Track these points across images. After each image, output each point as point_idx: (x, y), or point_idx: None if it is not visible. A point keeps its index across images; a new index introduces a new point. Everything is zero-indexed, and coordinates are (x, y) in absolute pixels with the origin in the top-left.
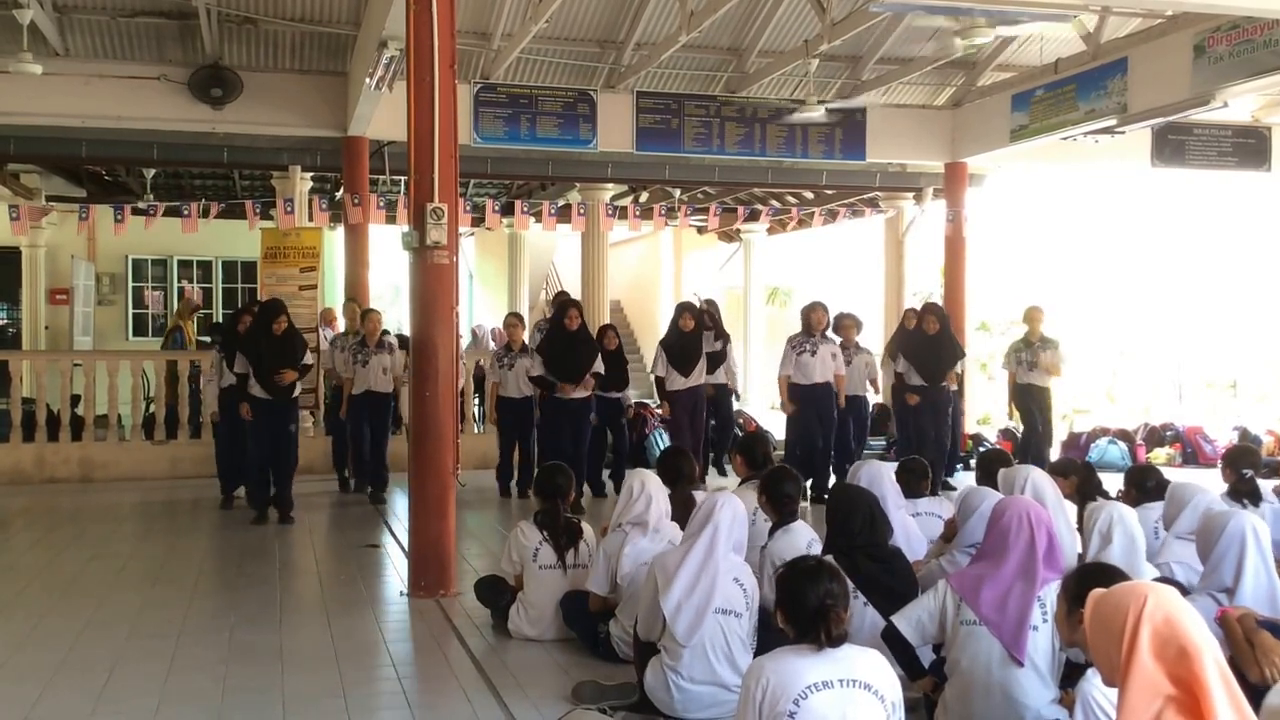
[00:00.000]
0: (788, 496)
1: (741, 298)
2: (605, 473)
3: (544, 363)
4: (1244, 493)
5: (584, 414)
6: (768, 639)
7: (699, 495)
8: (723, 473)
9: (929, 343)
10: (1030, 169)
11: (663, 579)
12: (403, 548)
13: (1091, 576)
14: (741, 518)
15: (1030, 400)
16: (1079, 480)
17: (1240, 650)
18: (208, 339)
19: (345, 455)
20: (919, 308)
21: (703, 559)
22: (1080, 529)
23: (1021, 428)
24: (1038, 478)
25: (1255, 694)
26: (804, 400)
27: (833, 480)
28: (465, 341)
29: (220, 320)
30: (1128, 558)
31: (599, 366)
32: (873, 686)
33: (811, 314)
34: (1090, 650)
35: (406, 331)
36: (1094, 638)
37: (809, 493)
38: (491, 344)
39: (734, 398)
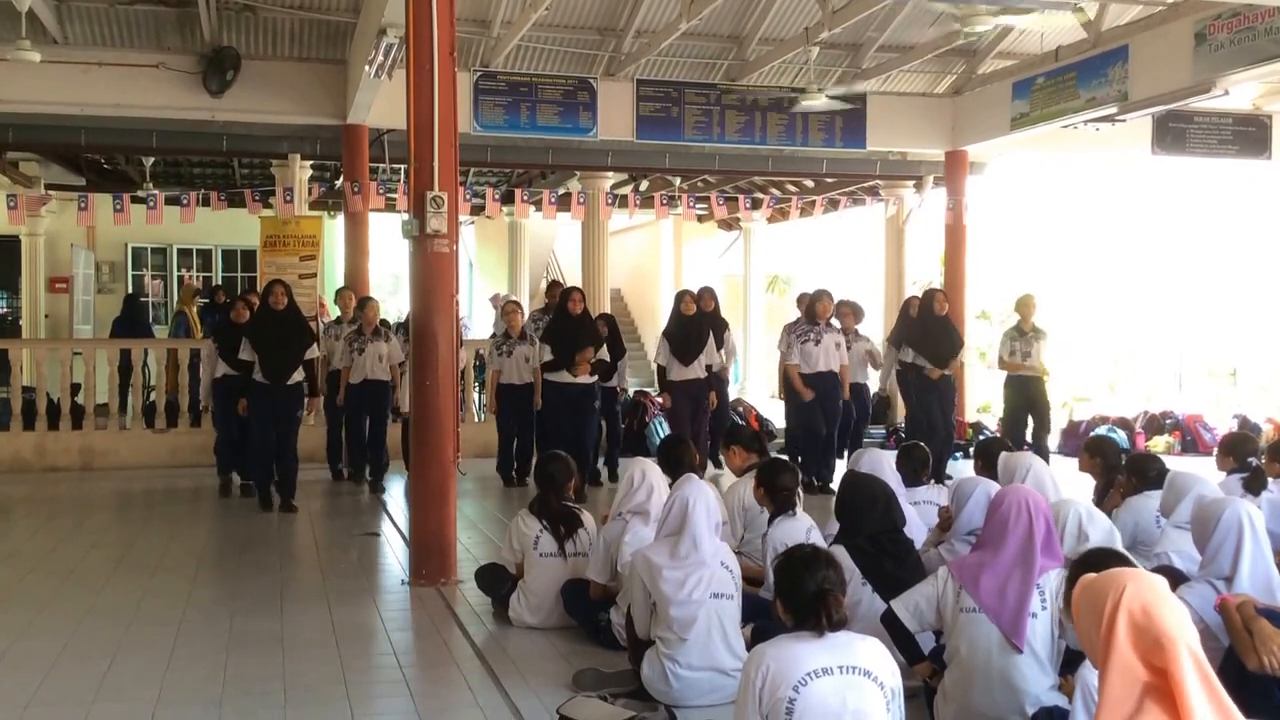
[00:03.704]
0: (785, 489)
1: (741, 286)
2: (599, 460)
3: (551, 350)
4: (1255, 482)
5: (587, 400)
6: (771, 627)
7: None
8: (718, 465)
9: (938, 324)
10: (1031, 157)
11: (649, 577)
12: (403, 536)
13: (1093, 563)
14: (714, 503)
15: (1023, 391)
16: (1103, 462)
17: (1239, 638)
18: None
19: (339, 444)
20: (922, 293)
21: (689, 558)
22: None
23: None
24: (1038, 467)
25: (1253, 682)
26: (808, 389)
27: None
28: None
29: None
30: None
31: (604, 353)
32: (872, 673)
33: (816, 302)
34: (1078, 635)
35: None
36: (1079, 623)
37: (815, 482)
38: None
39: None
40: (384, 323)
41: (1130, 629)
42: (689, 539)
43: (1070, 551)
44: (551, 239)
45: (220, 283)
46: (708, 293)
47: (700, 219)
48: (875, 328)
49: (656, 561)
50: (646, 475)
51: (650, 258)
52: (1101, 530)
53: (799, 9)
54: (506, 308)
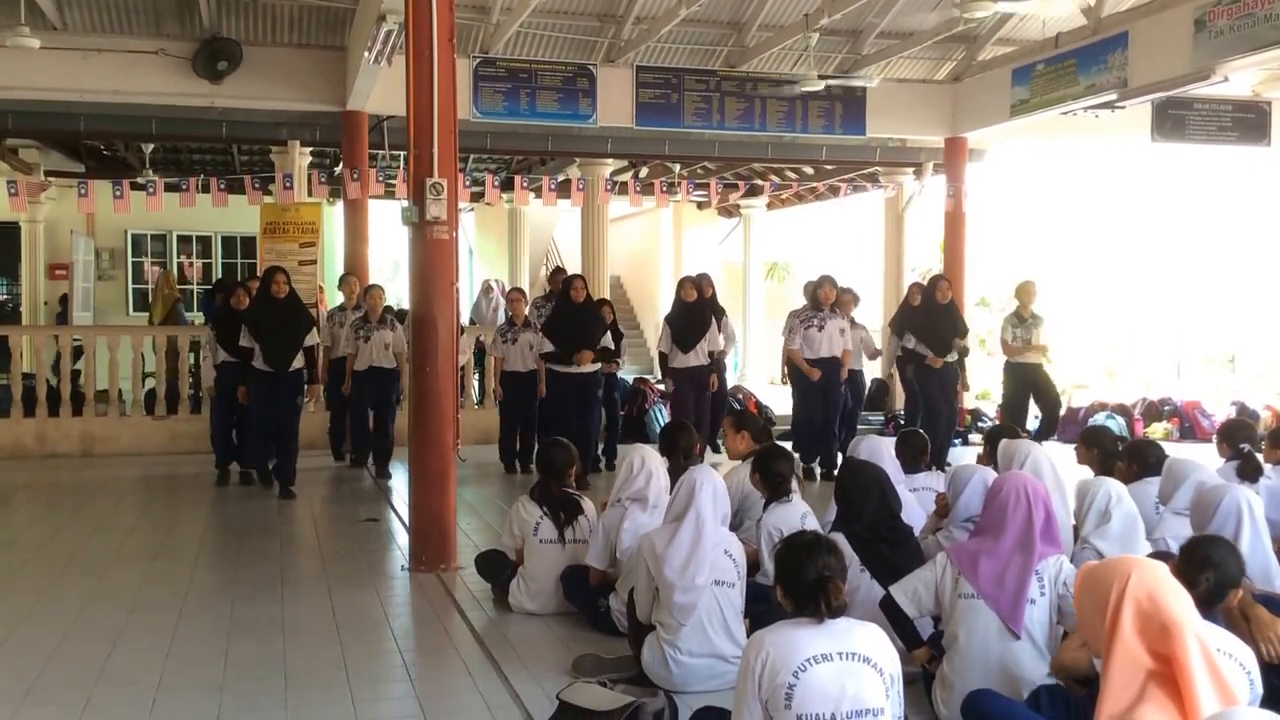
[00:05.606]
0: (780, 475)
1: (741, 273)
2: (599, 447)
3: (551, 339)
4: (1249, 469)
5: (591, 388)
6: (768, 613)
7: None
8: (716, 450)
9: (941, 312)
10: (1030, 144)
11: (653, 561)
12: (404, 522)
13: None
14: (722, 492)
15: (1023, 377)
16: (1100, 452)
17: (1235, 625)
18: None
19: (343, 431)
20: (927, 280)
21: (691, 544)
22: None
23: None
24: (1037, 454)
25: None
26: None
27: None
28: (471, 303)
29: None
30: (1126, 536)
31: (607, 341)
32: (871, 659)
33: (819, 289)
34: (1079, 622)
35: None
36: (1081, 610)
37: (816, 470)
38: (503, 308)
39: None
40: (388, 309)
41: (1136, 616)
42: (692, 525)
43: (1088, 531)
44: (551, 226)
45: (220, 272)
46: (705, 280)
47: (700, 206)
48: (875, 314)
49: (660, 545)
50: (646, 461)
51: (650, 245)
52: (1125, 515)
53: None
54: (510, 295)
